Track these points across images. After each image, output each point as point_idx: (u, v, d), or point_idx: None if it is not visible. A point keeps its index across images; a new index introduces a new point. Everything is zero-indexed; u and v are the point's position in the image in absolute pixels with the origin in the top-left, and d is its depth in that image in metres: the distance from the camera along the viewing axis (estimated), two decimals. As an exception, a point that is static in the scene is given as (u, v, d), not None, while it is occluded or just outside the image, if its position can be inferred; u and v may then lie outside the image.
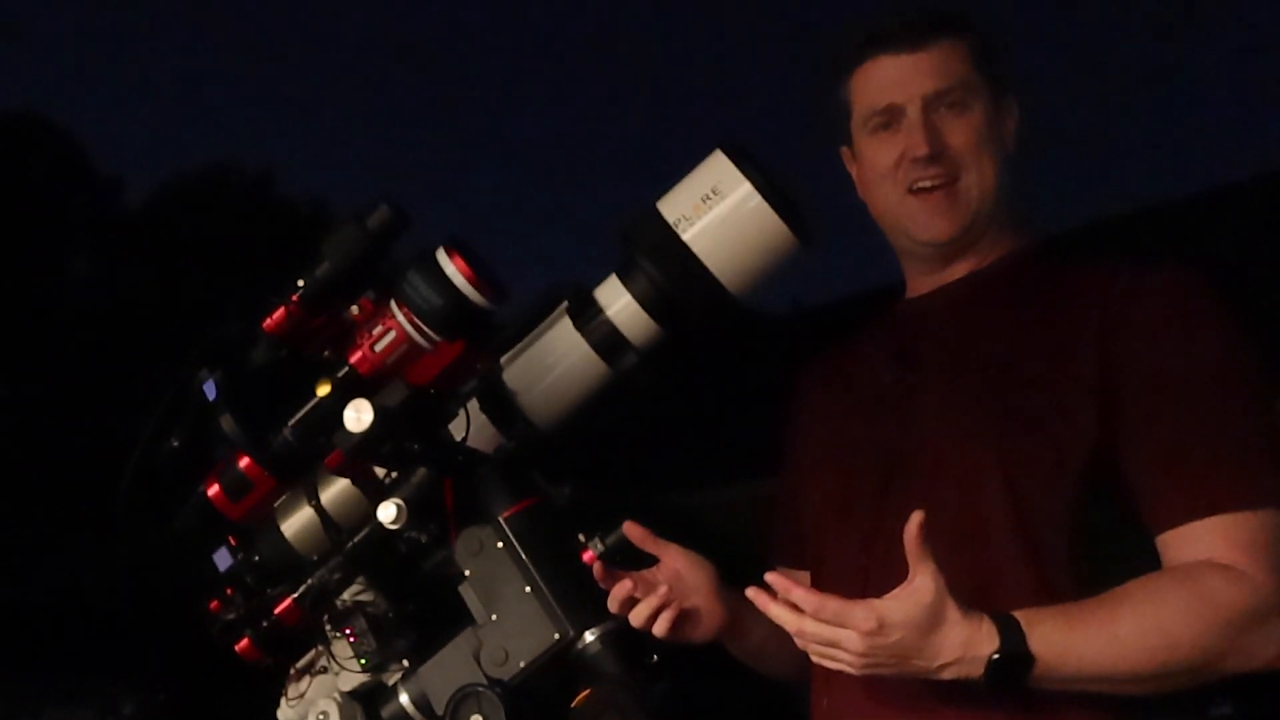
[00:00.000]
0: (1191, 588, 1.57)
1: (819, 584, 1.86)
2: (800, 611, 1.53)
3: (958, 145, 1.77)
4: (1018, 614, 1.55)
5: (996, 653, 1.53)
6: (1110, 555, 1.64)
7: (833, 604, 1.52)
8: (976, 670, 1.54)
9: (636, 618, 1.60)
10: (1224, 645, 1.56)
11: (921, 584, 1.52)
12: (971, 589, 1.62)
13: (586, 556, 1.50)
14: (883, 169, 1.81)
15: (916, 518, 1.51)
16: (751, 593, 1.53)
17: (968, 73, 1.79)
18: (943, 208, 1.78)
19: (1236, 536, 1.58)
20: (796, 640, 1.55)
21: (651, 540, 1.68)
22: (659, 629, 1.63)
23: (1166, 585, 1.59)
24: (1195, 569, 1.58)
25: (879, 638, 1.51)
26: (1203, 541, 1.59)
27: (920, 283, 1.88)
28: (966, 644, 1.53)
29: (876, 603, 1.52)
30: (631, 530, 1.58)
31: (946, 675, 1.55)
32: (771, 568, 2.02)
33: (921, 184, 1.77)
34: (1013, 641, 1.54)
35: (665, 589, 1.64)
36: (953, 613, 1.53)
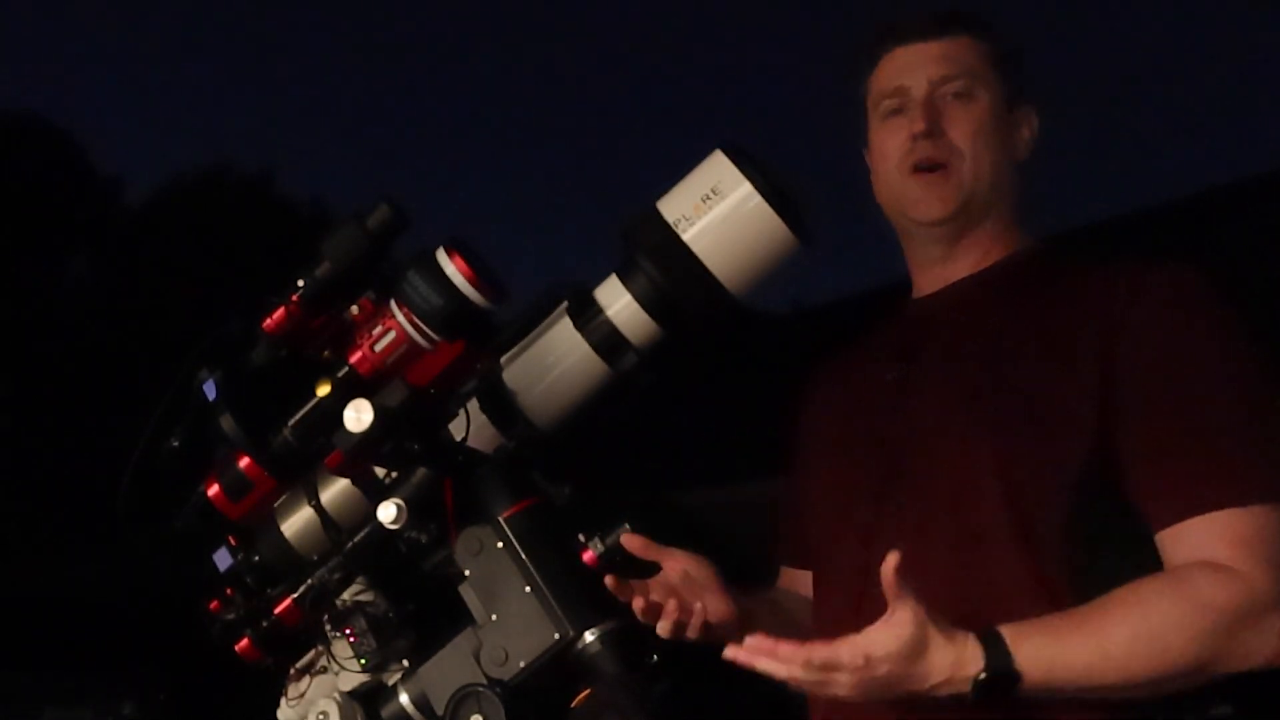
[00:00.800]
0: (1183, 591, 1.57)
1: (821, 583, 1.87)
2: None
3: (957, 133, 1.80)
4: (1004, 629, 1.56)
5: (983, 672, 1.54)
6: (1109, 555, 1.64)
7: (819, 652, 1.53)
8: (965, 688, 1.55)
9: (664, 630, 1.64)
10: (1218, 647, 1.56)
11: (901, 617, 1.53)
12: (969, 587, 1.63)
13: (586, 556, 1.50)
14: (889, 151, 1.84)
15: (893, 558, 1.53)
16: (730, 652, 1.54)
17: (978, 66, 1.82)
18: (936, 187, 1.81)
19: (1234, 533, 1.58)
20: (790, 683, 1.56)
21: (653, 548, 1.68)
22: (691, 634, 1.67)
23: (1157, 591, 1.59)
24: (1186, 571, 1.58)
25: (866, 672, 1.53)
26: (1200, 538, 1.59)
27: (925, 281, 1.90)
28: (954, 665, 1.54)
29: (860, 639, 1.54)
30: (630, 542, 1.56)
31: (940, 693, 1.56)
32: (775, 567, 2.03)
33: (918, 161, 1.80)
34: (998, 660, 1.54)
35: (674, 600, 1.66)
36: (936, 638, 1.54)
